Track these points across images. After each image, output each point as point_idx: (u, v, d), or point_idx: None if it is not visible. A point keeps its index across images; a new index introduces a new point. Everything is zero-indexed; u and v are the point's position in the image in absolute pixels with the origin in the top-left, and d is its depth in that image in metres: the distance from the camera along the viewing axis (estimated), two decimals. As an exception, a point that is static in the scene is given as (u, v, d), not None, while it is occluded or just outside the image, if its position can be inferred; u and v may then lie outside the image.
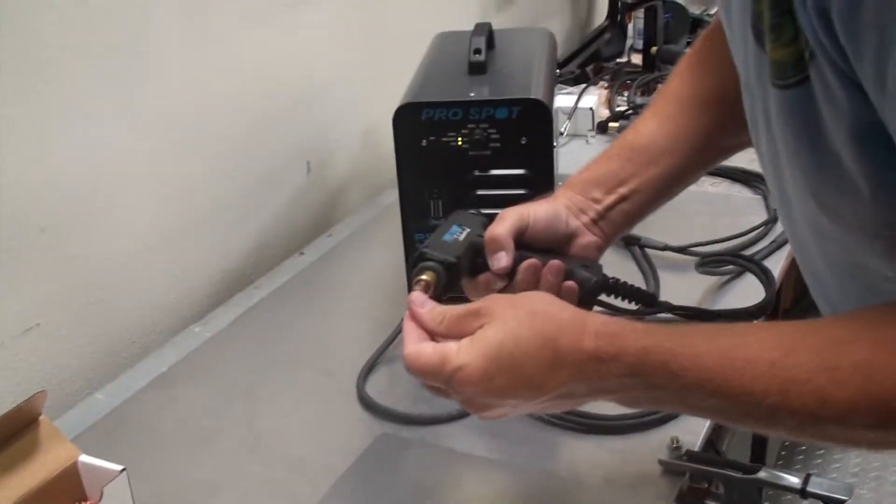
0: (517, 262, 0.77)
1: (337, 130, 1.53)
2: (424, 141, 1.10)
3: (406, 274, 1.17)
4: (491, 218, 0.82)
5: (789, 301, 2.01)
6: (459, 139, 1.10)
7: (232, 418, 1.02)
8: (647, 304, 0.82)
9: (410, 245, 1.16)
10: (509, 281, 0.78)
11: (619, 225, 0.84)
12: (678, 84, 0.88)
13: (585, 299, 0.77)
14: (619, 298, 0.81)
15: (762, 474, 0.85)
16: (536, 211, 0.80)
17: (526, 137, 1.09)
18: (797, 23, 0.54)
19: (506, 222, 0.78)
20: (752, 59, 0.64)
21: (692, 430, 0.93)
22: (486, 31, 1.21)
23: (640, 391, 0.63)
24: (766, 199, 1.42)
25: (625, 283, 0.81)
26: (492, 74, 1.17)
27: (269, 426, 1.00)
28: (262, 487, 0.92)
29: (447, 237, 0.80)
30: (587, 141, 1.71)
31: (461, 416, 0.99)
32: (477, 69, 1.16)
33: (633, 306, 0.83)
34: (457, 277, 0.77)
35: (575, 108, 1.71)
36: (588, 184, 0.84)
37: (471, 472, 0.93)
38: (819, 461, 2.11)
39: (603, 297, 0.80)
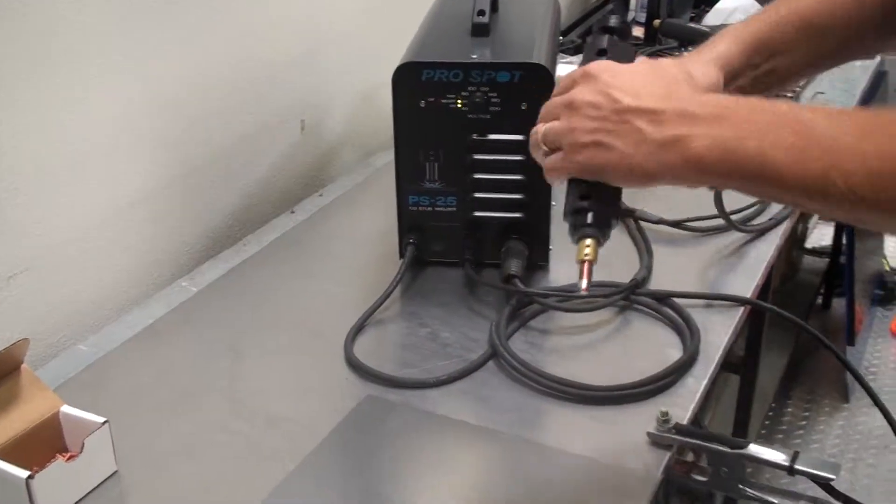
0: None
1: (333, 89, 1.51)
2: (423, 102, 1.08)
3: (399, 239, 1.16)
4: None
5: (778, 279, 2.01)
6: (459, 101, 1.08)
7: (216, 374, 1.01)
8: None
9: (404, 207, 1.15)
10: None
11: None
12: None
13: None
14: None
15: (750, 449, 0.85)
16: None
17: (526, 103, 1.07)
18: None
19: None
20: None
21: (681, 405, 0.93)
22: (490, -7, 1.18)
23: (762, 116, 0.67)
24: (762, 176, 1.41)
25: None
26: (495, 37, 1.15)
27: (254, 384, 0.99)
28: (244, 445, 0.91)
29: None
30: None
31: (449, 380, 0.98)
32: (480, 31, 1.14)
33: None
34: None
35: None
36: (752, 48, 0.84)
37: (455, 437, 0.92)
38: (798, 441, 2.13)
39: None
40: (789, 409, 2.20)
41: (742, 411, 1.63)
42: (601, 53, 0.82)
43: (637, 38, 2.02)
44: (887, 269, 2.62)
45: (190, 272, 1.22)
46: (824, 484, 0.83)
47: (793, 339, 2.14)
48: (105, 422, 0.86)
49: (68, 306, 1.11)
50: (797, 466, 0.83)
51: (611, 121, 0.72)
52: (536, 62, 1.06)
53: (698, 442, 0.87)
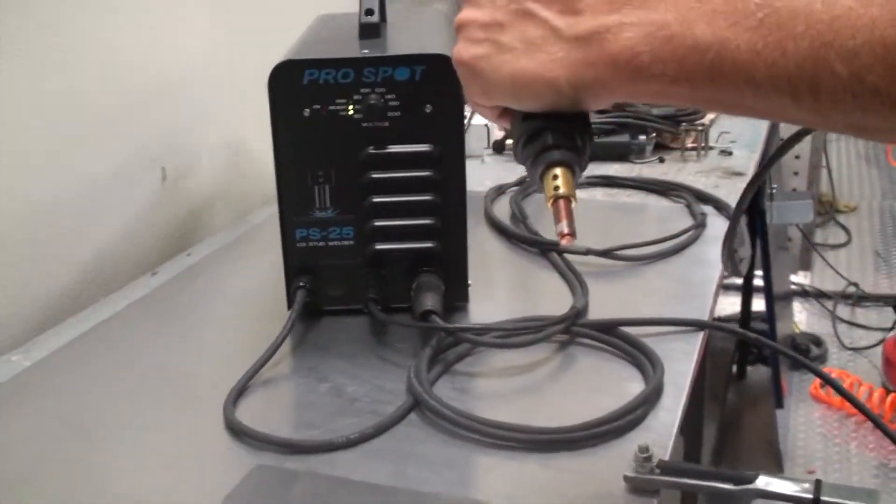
0: None
1: (199, 133, 1.31)
2: (307, 110, 0.90)
3: (286, 285, 0.95)
4: None
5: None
6: (350, 107, 0.90)
7: (60, 460, 0.76)
8: None
9: (290, 244, 0.94)
10: None
11: None
12: None
13: None
14: None
15: (760, 483, 0.66)
16: None
17: (431, 105, 0.90)
18: None
19: None
20: None
21: (657, 442, 0.73)
22: (377, -6, 1.02)
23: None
24: (689, 206, 1.27)
25: None
26: (386, 39, 0.98)
27: (112, 468, 0.75)
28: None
29: None
30: (482, 160, 1.55)
31: (362, 439, 0.76)
32: (369, 32, 0.97)
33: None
34: None
35: (469, 124, 1.54)
36: None
37: (378, 508, 0.70)
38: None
39: None
40: (722, 485, 2.03)
41: (692, 443, 1.43)
42: None
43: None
44: (798, 332, 2.54)
45: (23, 345, 0.97)
46: (859, 517, 0.64)
47: (718, 409, 1.99)
48: None
49: None
50: (824, 498, 0.64)
51: (507, 10, 0.55)
52: (440, 53, 0.89)
53: (692, 481, 0.68)
